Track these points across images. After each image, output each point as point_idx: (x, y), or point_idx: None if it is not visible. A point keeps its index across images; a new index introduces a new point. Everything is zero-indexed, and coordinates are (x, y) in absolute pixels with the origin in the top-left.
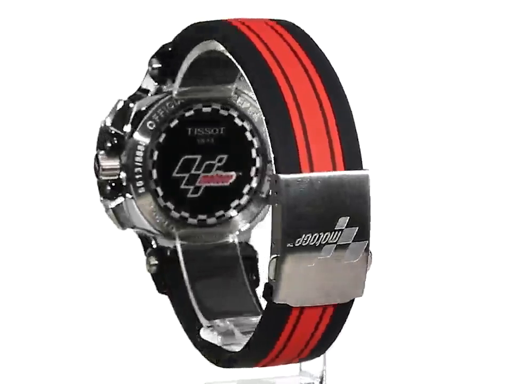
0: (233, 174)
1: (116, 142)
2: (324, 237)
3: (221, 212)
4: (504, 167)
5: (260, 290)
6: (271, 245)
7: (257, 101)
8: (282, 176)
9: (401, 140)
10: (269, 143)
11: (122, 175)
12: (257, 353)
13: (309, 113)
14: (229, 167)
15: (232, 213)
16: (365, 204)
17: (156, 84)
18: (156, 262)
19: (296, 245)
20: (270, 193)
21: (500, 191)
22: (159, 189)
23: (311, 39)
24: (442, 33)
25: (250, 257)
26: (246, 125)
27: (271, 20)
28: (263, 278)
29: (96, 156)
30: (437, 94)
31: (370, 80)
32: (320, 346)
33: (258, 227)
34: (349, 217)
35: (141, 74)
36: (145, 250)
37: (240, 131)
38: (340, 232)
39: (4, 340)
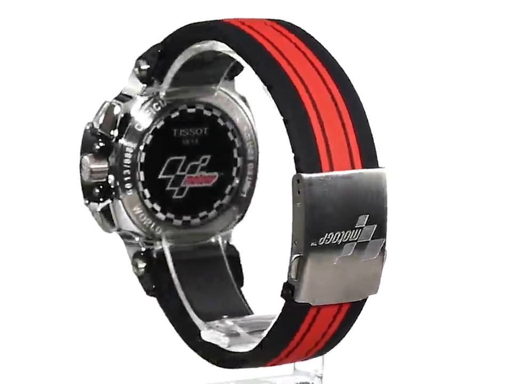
0: (216, 174)
1: (104, 144)
2: (345, 235)
3: (204, 213)
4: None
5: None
6: (292, 245)
7: (242, 104)
8: (305, 175)
9: (401, 136)
10: (289, 142)
11: (110, 177)
12: (270, 352)
13: (325, 111)
14: (212, 167)
15: (215, 213)
16: (382, 201)
17: (143, 85)
18: (144, 265)
19: (320, 244)
20: (292, 193)
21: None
22: (146, 191)
23: (312, 36)
24: (442, 29)
25: (234, 257)
26: (228, 125)
27: (268, 19)
28: (247, 277)
29: (85, 158)
30: (438, 89)
31: (369, 79)
32: (328, 345)
33: (237, 227)
34: (368, 215)
35: (119, 74)
36: (130, 253)
37: (222, 131)
38: (360, 230)
39: None
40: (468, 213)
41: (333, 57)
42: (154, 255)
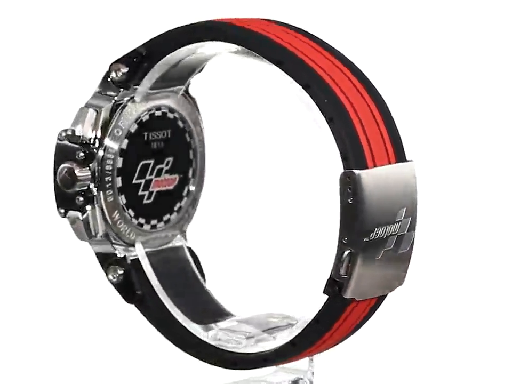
0: (176, 176)
1: (87, 151)
2: (389, 229)
3: (167, 216)
4: None
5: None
6: (340, 241)
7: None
8: (356, 172)
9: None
10: (334, 140)
11: (91, 184)
12: (299, 349)
13: (360, 107)
14: (173, 170)
15: (175, 216)
16: (415, 194)
17: (119, 89)
18: (122, 271)
19: (370, 239)
20: (340, 190)
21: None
22: (123, 197)
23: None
24: (442, 25)
25: (195, 258)
26: (186, 127)
27: (264, 19)
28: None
29: (68, 166)
30: (440, 82)
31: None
32: (344, 338)
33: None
34: (405, 208)
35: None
36: (106, 260)
37: (181, 133)
38: (400, 223)
39: None
40: (473, 207)
41: (342, 54)
42: (129, 261)
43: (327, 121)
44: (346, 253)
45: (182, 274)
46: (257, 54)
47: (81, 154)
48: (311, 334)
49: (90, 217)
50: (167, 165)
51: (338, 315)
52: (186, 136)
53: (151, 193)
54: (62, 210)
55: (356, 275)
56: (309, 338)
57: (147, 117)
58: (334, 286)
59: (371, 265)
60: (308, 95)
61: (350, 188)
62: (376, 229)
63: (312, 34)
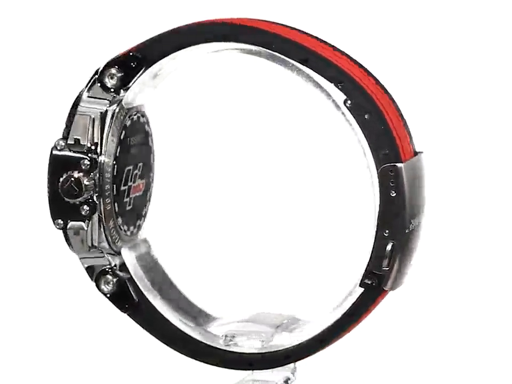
0: (144, 181)
1: (92, 160)
2: (419, 219)
3: (139, 222)
4: None
5: None
6: (381, 235)
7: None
8: (399, 165)
9: None
10: (372, 134)
11: (94, 194)
12: (326, 343)
13: (385, 104)
14: (142, 175)
15: (143, 221)
16: (425, 184)
17: (112, 94)
18: (116, 279)
19: (409, 229)
20: (382, 184)
21: None
22: (116, 205)
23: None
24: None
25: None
26: (150, 131)
27: (258, 19)
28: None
29: (75, 175)
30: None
31: None
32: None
33: None
34: (425, 198)
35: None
36: (97, 270)
37: (147, 137)
38: (423, 213)
39: None
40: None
41: (348, 53)
42: (118, 269)
43: (359, 116)
44: (389, 245)
45: (161, 278)
46: (278, 54)
47: (87, 162)
48: (340, 327)
49: (91, 226)
50: (139, 170)
51: (370, 307)
52: (150, 140)
53: (130, 199)
54: (61, 222)
55: (396, 267)
56: (337, 332)
57: (129, 122)
58: (373, 278)
59: (406, 256)
60: (341, 92)
61: (392, 181)
62: (412, 220)
63: (312, 34)
